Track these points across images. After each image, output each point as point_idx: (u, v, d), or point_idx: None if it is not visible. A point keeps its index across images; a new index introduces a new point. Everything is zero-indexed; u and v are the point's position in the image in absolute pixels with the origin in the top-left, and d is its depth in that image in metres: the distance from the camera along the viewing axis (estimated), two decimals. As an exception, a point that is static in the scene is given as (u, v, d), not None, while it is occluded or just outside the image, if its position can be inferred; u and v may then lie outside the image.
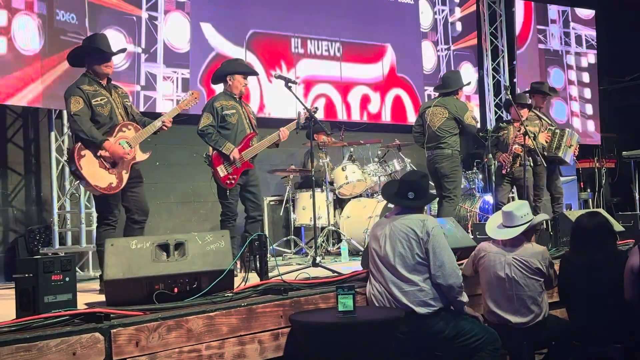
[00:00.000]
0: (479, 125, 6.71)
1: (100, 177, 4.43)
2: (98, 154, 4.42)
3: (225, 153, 5.20)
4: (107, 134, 4.51)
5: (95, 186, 4.41)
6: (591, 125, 11.10)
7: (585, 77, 11.26)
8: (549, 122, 7.26)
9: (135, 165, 4.64)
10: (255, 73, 5.47)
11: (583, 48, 11.31)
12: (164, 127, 4.71)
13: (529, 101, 7.18)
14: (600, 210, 6.42)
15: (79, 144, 4.41)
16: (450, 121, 6.42)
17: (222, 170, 5.23)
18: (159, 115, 4.83)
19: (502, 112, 10.26)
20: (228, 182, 5.24)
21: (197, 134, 5.28)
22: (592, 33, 11.34)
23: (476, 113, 10.35)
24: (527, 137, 6.44)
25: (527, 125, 6.80)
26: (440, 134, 6.43)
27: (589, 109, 11.20)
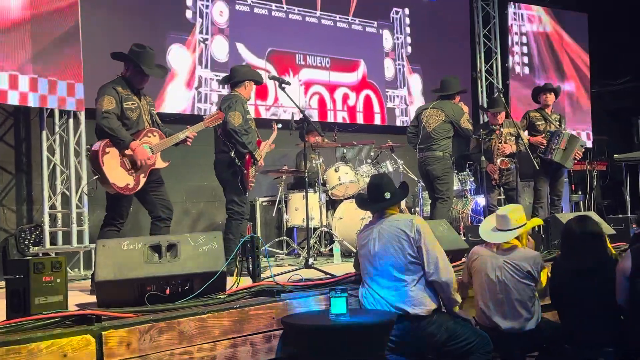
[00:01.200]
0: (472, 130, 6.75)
1: (120, 176, 4.50)
2: (123, 153, 4.51)
3: (255, 155, 5.37)
4: (133, 136, 4.60)
5: (113, 184, 4.45)
6: (583, 128, 11.15)
7: (577, 80, 11.32)
8: (557, 124, 7.26)
9: (155, 170, 4.72)
10: (260, 83, 5.74)
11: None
12: (188, 142, 4.84)
13: (503, 106, 7.22)
14: (591, 213, 6.47)
15: (106, 140, 4.49)
16: (445, 124, 6.48)
17: (251, 171, 5.40)
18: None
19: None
20: (251, 183, 5.44)
21: (229, 130, 5.27)
22: (583, 36, 11.39)
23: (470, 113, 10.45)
24: (509, 143, 6.67)
25: (504, 128, 6.90)
26: (434, 135, 6.47)
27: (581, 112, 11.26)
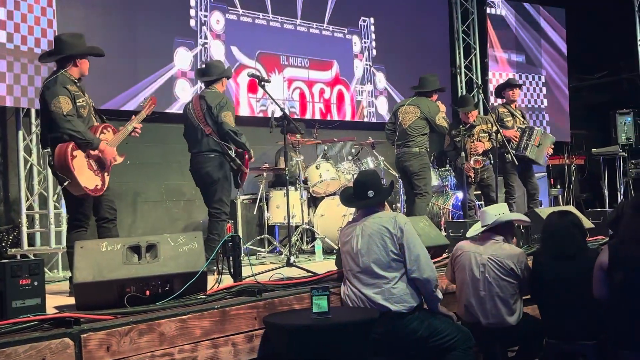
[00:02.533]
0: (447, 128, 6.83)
1: (89, 178, 4.36)
2: (88, 155, 4.36)
3: (251, 153, 5.42)
4: None
5: (85, 187, 4.31)
6: (561, 122, 11.25)
7: (555, 74, 11.42)
8: (522, 120, 7.33)
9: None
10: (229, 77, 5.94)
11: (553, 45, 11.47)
12: (136, 133, 4.72)
13: (474, 104, 7.27)
14: (570, 207, 6.53)
15: (71, 144, 4.28)
16: (421, 120, 6.56)
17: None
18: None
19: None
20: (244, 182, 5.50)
21: (227, 131, 5.24)
22: (561, 31, 11.49)
23: (448, 111, 10.49)
24: (482, 141, 6.77)
25: (478, 125, 6.95)
26: (410, 132, 6.54)
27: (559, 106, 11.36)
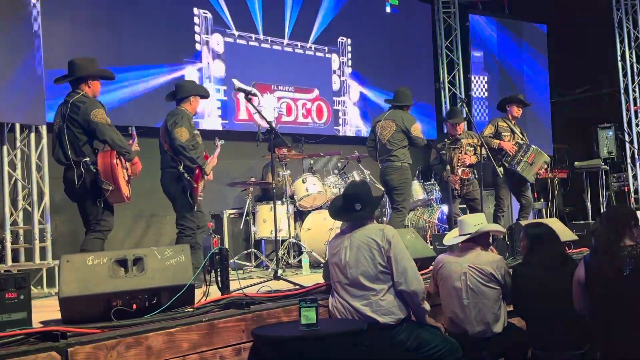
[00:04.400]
0: (423, 140, 6.79)
1: (126, 187, 4.72)
2: (124, 165, 4.71)
3: (204, 169, 5.40)
4: None
5: (125, 195, 4.67)
6: (543, 137, 11.37)
7: (537, 89, 11.56)
8: (521, 137, 7.39)
9: None
10: (206, 97, 5.96)
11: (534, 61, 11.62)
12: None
13: (461, 117, 7.32)
14: (554, 220, 6.59)
15: (113, 152, 4.61)
16: (398, 133, 6.57)
17: (200, 186, 5.41)
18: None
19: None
20: (200, 197, 5.46)
21: (177, 146, 5.29)
22: (543, 46, 11.66)
23: (432, 125, 10.60)
24: (468, 154, 6.80)
25: (463, 139, 7.01)
26: (390, 147, 6.56)
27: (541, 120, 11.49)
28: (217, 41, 8.33)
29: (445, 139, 6.91)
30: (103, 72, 4.94)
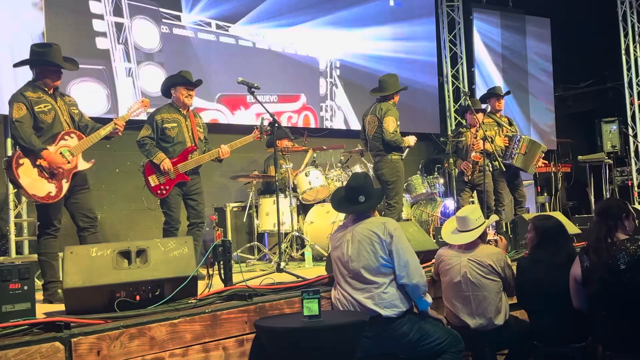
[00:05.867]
0: (395, 136, 6.36)
1: (39, 186, 4.36)
2: (37, 163, 4.36)
3: (156, 163, 5.31)
4: (49, 141, 4.44)
5: (33, 195, 4.34)
6: (547, 131, 11.36)
7: (541, 83, 11.54)
8: (509, 128, 7.36)
9: (78, 173, 4.59)
10: (195, 84, 5.60)
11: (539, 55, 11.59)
12: (118, 132, 4.72)
13: (483, 106, 7.28)
14: (557, 213, 6.58)
15: (19, 152, 4.36)
16: (381, 127, 6.42)
17: (153, 180, 5.35)
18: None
19: (462, 119, 10.44)
20: (159, 192, 5.37)
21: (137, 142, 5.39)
22: (547, 40, 11.62)
23: (436, 119, 10.57)
24: (485, 141, 6.54)
25: (485, 130, 6.93)
26: (375, 142, 6.48)
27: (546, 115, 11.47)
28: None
29: (461, 128, 6.86)
30: (54, 61, 4.51)
